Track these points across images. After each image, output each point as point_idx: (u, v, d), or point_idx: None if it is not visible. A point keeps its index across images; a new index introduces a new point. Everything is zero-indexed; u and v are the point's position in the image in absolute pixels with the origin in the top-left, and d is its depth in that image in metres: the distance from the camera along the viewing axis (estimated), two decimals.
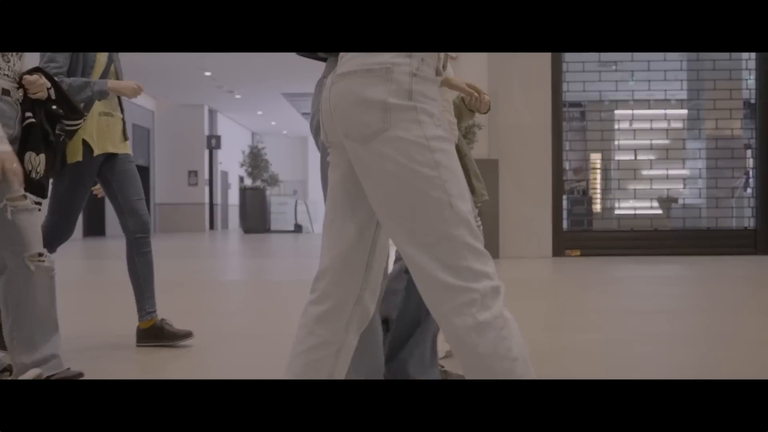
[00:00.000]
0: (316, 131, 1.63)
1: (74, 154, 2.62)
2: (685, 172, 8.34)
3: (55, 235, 2.66)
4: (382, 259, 1.31)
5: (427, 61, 1.18)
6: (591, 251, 7.50)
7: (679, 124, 8.17)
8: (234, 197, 20.45)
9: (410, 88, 1.14)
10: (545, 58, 7.31)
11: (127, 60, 12.22)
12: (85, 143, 2.64)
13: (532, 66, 7.31)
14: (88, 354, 2.67)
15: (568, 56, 7.54)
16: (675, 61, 7.73)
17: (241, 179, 20.96)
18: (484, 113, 2.07)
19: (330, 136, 1.26)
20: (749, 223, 7.55)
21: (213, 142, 18.31)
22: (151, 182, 17.34)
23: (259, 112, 19.55)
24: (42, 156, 2.16)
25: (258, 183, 17.00)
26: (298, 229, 16.72)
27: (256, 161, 16.96)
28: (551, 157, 7.43)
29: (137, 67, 13.30)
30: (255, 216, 16.23)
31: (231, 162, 20.43)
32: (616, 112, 8.47)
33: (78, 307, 4.12)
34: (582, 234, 7.80)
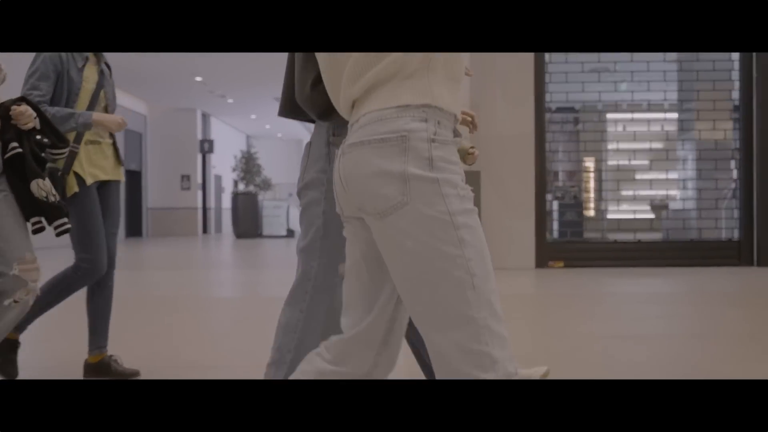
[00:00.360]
0: (300, 190, 1.65)
1: (71, 187, 2.58)
2: (674, 176, 8.33)
3: (92, 272, 2.61)
4: (401, 334, 1.26)
5: (444, 123, 1.12)
6: (575, 263, 7.47)
7: (670, 128, 8.12)
8: (228, 201, 20.42)
9: (430, 155, 1.07)
10: (528, 66, 7.27)
11: (118, 65, 12.22)
12: (76, 174, 2.59)
13: (514, 75, 7.27)
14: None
15: (552, 65, 7.50)
16: (658, 65, 7.70)
17: (235, 183, 20.93)
18: (470, 165, 2.03)
19: (345, 210, 1.19)
20: (733, 234, 7.51)
21: (206, 146, 18.28)
22: (143, 187, 17.33)
23: (253, 116, 19.53)
24: (48, 180, 2.15)
25: (251, 188, 16.98)
26: (290, 233, 16.69)
27: (248, 166, 16.94)
28: (534, 166, 7.39)
29: (128, 71, 13.28)
30: (247, 221, 16.21)
31: (225, 166, 20.40)
32: (609, 115, 8.46)
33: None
34: (565, 245, 7.77)
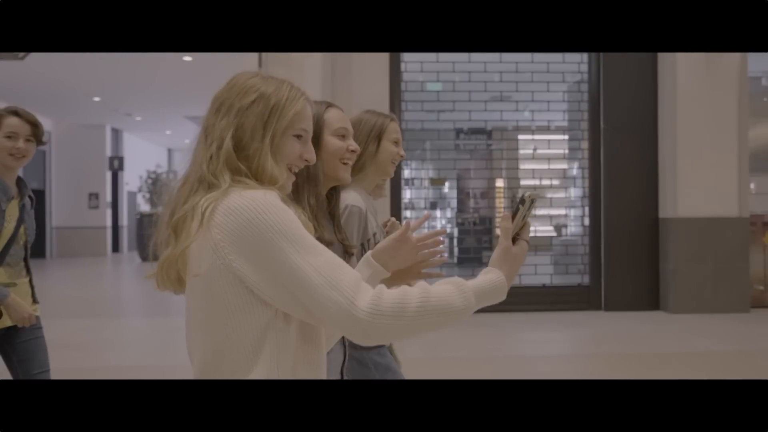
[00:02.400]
0: None
1: None
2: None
3: None
4: None
5: None
6: None
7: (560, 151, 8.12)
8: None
9: None
10: (383, 91, 7.12)
11: (21, 79, 11.76)
12: None
13: (371, 97, 7.05)
14: None
15: (408, 93, 7.48)
16: (558, 90, 7.80)
17: (150, 201, 20.48)
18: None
19: None
20: (582, 279, 7.66)
21: (116, 164, 17.83)
22: (47, 205, 16.78)
23: (168, 132, 19.16)
24: None
25: (159, 209, 16.61)
26: None
27: (155, 187, 16.59)
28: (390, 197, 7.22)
29: (26, 92, 12.87)
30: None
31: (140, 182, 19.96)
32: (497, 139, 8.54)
33: None
34: None
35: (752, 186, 8.23)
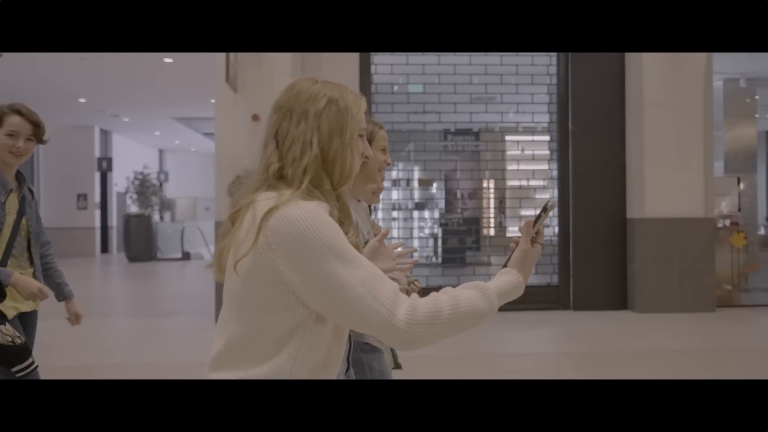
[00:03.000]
0: None
1: None
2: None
3: None
4: None
5: None
6: None
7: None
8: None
9: None
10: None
11: (3, 80, 11.75)
12: None
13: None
14: None
15: (378, 95, 7.57)
16: (541, 88, 7.86)
17: (142, 202, 20.52)
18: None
19: None
20: (552, 279, 7.73)
21: (104, 165, 17.88)
22: None
23: (157, 133, 19.21)
24: (9, 324, 2.14)
25: (146, 210, 16.67)
26: (186, 256, 16.43)
27: (142, 188, 16.64)
28: None
29: (12, 92, 12.89)
30: (140, 243, 15.91)
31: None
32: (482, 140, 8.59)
33: None
34: None
35: (741, 186, 8.33)
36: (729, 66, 8.88)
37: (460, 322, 1.22)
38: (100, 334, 6.41)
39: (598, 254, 7.51)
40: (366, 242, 2.03)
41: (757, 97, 10.21)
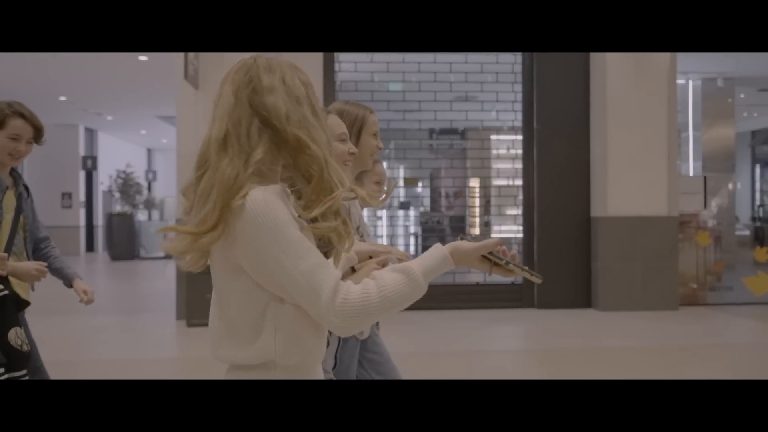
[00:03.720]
0: None
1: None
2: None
3: None
4: None
5: None
6: None
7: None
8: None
9: None
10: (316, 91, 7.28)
11: None
12: (18, 296, 2.49)
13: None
14: None
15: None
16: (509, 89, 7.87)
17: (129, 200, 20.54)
18: None
19: None
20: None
21: (89, 163, 17.87)
22: None
23: (143, 132, 19.21)
24: (22, 329, 2.19)
25: (127, 208, 16.67)
26: (170, 255, 16.43)
27: (125, 186, 16.64)
28: None
29: None
30: (123, 242, 15.91)
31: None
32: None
33: None
34: None
35: (731, 186, 8.35)
36: (706, 65, 8.90)
37: (389, 309, 1.27)
38: (64, 331, 6.42)
39: (562, 253, 7.52)
40: (357, 228, 2.03)
41: (742, 96, 10.24)
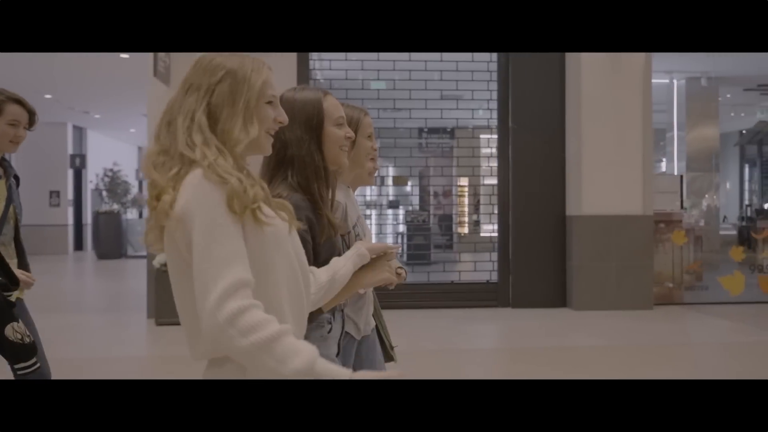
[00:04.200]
0: None
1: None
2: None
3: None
4: None
5: None
6: None
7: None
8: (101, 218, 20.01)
9: None
10: None
11: None
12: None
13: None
14: None
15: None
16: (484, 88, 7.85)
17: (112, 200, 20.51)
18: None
19: None
20: (491, 276, 7.71)
21: (77, 162, 17.84)
22: None
23: (132, 130, 19.18)
24: (21, 323, 2.19)
25: (114, 206, 16.64)
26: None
27: (111, 185, 16.62)
28: None
29: None
30: (109, 241, 15.89)
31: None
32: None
33: None
34: None
35: (727, 185, 8.33)
36: (690, 65, 8.89)
37: (261, 356, 1.17)
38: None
39: (537, 252, 7.51)
40: (353, 227, 2.01)
41: (728, 95, 10.22)
